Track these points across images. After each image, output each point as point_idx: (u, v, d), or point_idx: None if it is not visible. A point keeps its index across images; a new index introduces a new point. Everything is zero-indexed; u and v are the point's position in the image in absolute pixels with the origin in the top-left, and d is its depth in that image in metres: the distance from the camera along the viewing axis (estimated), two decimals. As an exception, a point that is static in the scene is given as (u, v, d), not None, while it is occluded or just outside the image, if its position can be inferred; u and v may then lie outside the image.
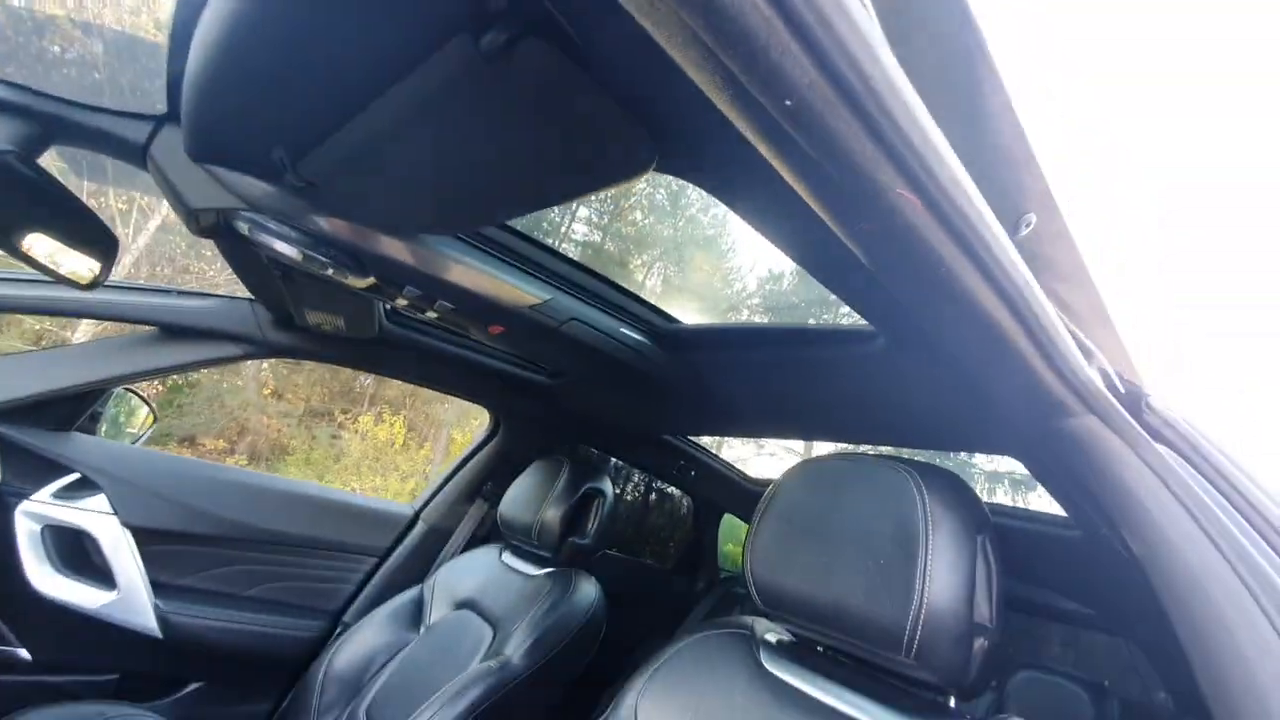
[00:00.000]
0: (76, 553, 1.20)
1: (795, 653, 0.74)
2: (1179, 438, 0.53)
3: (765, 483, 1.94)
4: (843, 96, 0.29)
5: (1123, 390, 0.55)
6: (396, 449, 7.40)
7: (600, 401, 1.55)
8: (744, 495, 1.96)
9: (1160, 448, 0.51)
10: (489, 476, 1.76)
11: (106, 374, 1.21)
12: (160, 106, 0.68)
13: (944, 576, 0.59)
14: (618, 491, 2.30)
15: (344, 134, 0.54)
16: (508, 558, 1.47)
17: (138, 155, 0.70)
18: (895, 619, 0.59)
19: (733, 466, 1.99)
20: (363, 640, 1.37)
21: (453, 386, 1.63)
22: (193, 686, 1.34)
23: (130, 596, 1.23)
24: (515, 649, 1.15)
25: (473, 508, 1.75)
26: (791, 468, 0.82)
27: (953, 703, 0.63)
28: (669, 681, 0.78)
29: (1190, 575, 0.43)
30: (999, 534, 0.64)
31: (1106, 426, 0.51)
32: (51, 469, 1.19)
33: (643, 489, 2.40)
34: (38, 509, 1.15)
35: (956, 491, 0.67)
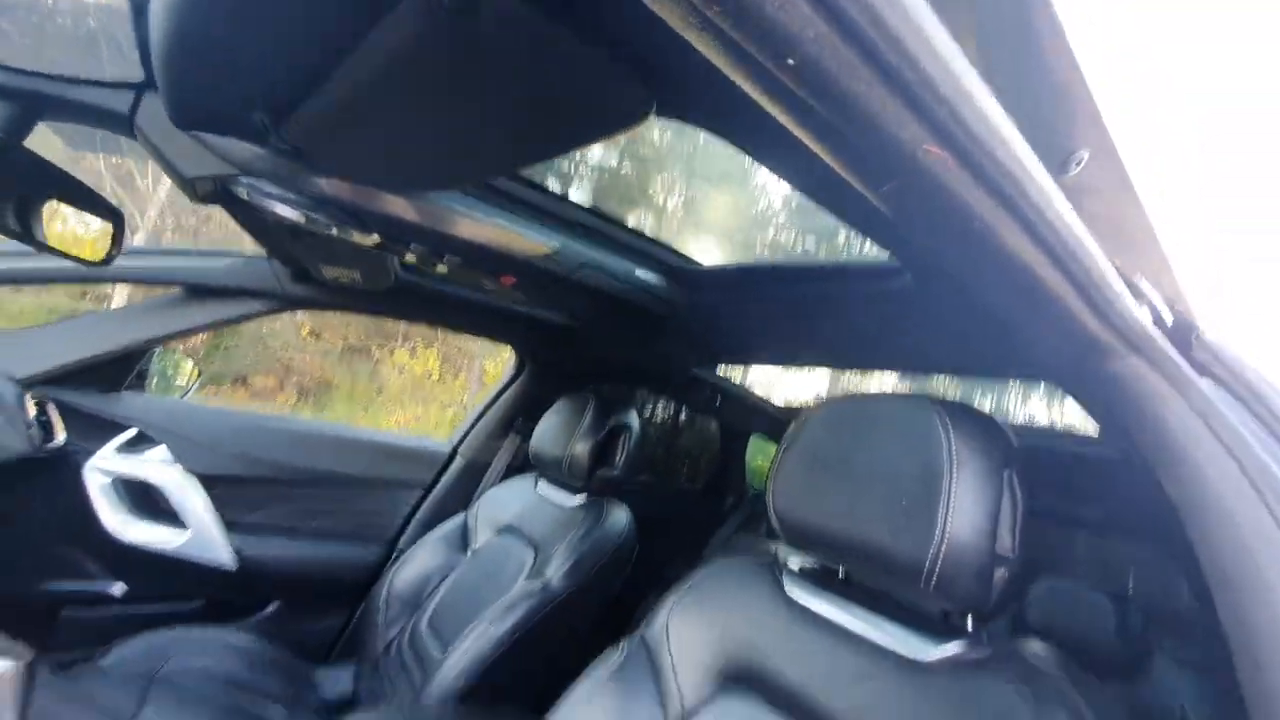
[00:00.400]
0: (148, 500, 1.31)
1: (817, 579, 0.77)
2: (1230, 375, 0.49)
3: (790, 409, 1.95)
4: (856, 48, 0.25)
5: (1171, 324, 0.51)
6: (433, 381, 7.68)
7: (621, 340, 1.55)
8: (770, 419, 1.98)
9: (1208, 384, 0.48)
10: (518, 412, 1.82)
11: (145, 335, 1.26)
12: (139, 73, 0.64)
13: (967, 513, 0.59)
14: (646, 416, 2.36)
15: (322, 95, 0.50)
16: (543, 488, 1.54)
17: (125, 126, 0.68)
18: (916, 555, 0.60)
19: (756, 395, 2.00)
20: (418, 563, 1.49)
21: (474, 329, 1.64)
22: (271, 608, 1.49)
23: (202, 535, 1.35)
24: (554, 572, 1.23)
25: (506, 442, 1.83)
26: (816, 405, 0.82)
27: (970, 624, 0.65)
28: (699, 599, 0.83)
29: (1227, 522, 0.42)
30: (1029, 455, 0.63)
31: (1152, 368, 0.47)
32: (109, 427, 1.27)
33: (671, 414, 2.45)
34: (104, 464, 1.24)
35: (984, 429, 0.65)
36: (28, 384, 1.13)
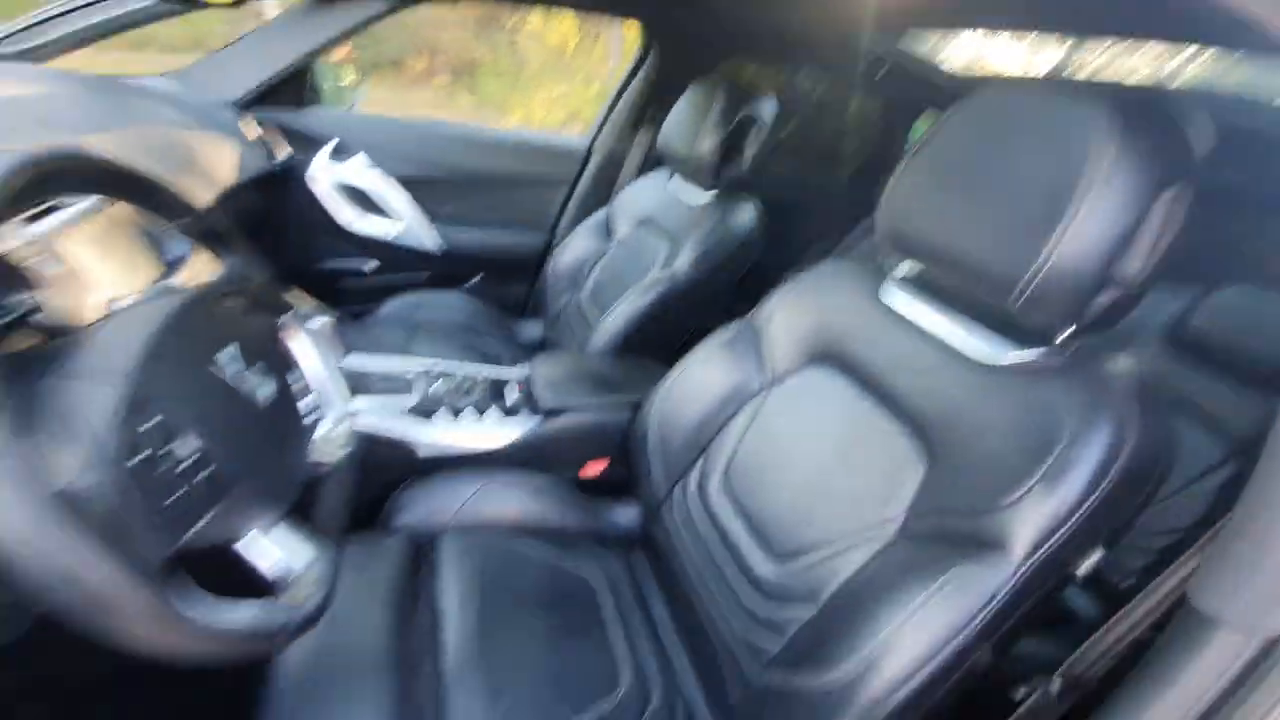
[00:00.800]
0: (365, 199, 1.63)
1: (913, 287, 0.80)
2: None
3: (969, 79, 1.57)
4: None
5: None
6: (571, 53, 7.13)
7: (758, 5, 1.28)
8: (941, 90, 1.64)
9: None
10: (649, 102, 1.73)
11: (304, 49, 1.37)
12: None
13: (1089, 234, 0.54)
14: (789, 97, 2.08)
15: None
16: (674, 184, 1.58)
17: None
18: (1015, 270, 0.58)
19: (931, 66, 1.61)
20: (573, 249, 1.75)
21: (593, 3, 1.46)
22: (476, 279, 1.92)
23: (412, 226, 1.70)
24: (682, 263, 1.38)
25: (639, 134, 1.81)
26: (966, 99, 0.70)
27: (1059, 337, 0.64)
28: (803, 291, 0.92)
29: None
30: (1246, 136, 0.52)
31: None
32: (308, 141, 1.52)
33: (820, 90, 2.12)
34: (321, 173, 1.53)
35: (1163, 134, 0.53)
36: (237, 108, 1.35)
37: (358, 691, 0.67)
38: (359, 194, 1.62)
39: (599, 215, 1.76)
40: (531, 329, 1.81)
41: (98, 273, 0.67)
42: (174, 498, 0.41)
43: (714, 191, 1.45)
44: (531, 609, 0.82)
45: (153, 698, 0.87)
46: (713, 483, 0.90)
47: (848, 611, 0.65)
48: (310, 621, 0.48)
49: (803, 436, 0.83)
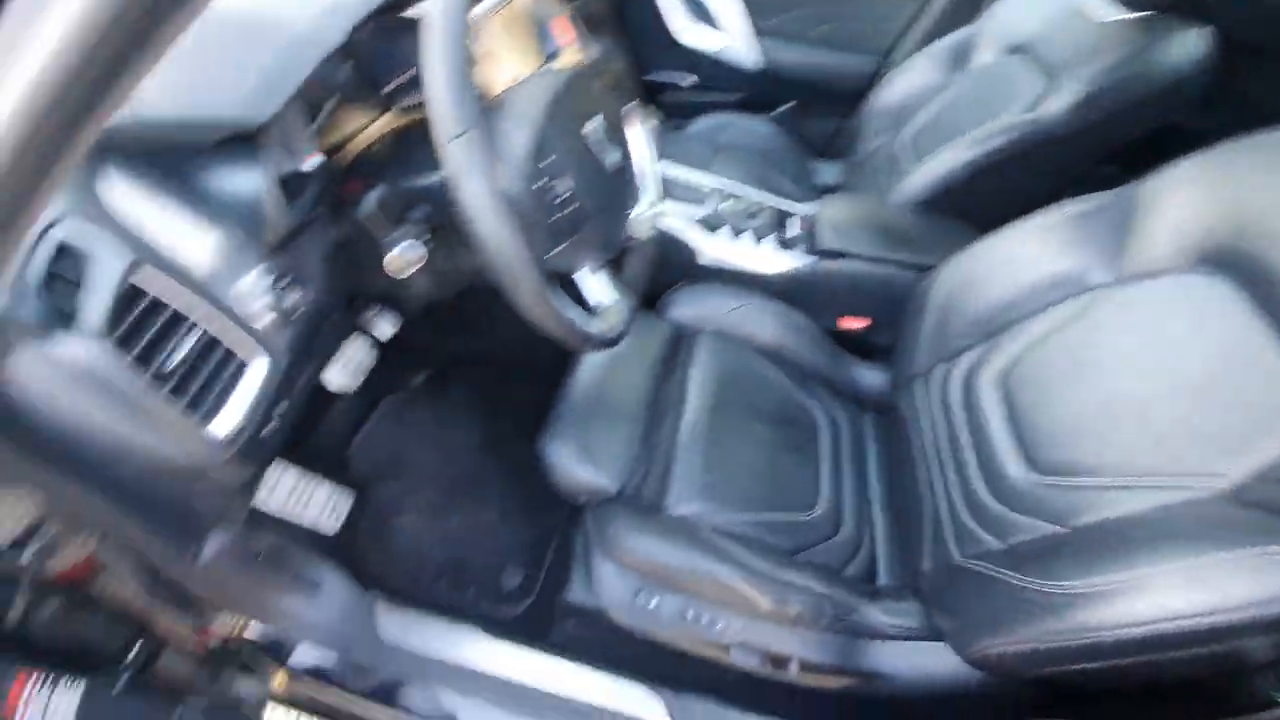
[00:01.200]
0: (698, 6, 1.62)
1: None
2: None
3: None
4: None
5: None
6: None
7: None
8: None
9: None
10: None
11: None
12: None
13: None
14: None
15: None
16: (1086, -7, 1.16)
17: None
18: None
19: None
20: (908, 79, 1.48)
21: None
22: (786, 107, 1.80)
23: (737, 39, 1.64)
24: (1058, 105, 1.06)
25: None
26: None
27: None
28: (1232, 161, 0.66)
29: None
30: None
31: None
32: None
33: None
34: None
35: None
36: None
37: (616, 420, 0.88)
38: (697, 3, 1.60)
39: (955, 36, 1.43)
40: (830, 172, 1.68)
41: (505, 55, 0.85)
42: (553, 219, 0.59)
43: (1143, 15, 1.03)
44: (758, 418, 0.92)
45: (512, 370, 1.25)
46: (987, 374, 0.81)
47: (1105, 542, 0.58)
48: (610, 342, 0.65)
49: (1142, 354, 0.67)
